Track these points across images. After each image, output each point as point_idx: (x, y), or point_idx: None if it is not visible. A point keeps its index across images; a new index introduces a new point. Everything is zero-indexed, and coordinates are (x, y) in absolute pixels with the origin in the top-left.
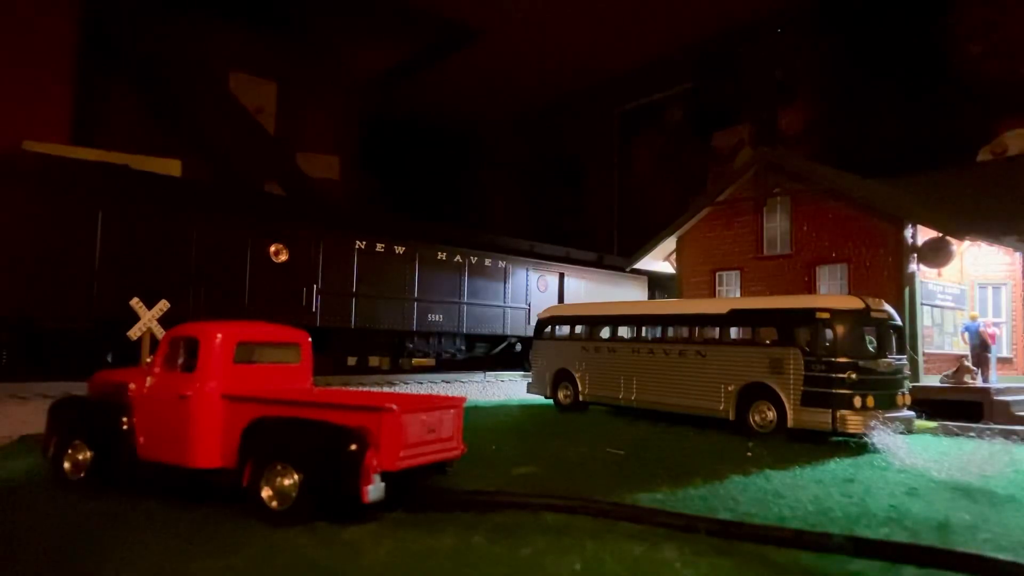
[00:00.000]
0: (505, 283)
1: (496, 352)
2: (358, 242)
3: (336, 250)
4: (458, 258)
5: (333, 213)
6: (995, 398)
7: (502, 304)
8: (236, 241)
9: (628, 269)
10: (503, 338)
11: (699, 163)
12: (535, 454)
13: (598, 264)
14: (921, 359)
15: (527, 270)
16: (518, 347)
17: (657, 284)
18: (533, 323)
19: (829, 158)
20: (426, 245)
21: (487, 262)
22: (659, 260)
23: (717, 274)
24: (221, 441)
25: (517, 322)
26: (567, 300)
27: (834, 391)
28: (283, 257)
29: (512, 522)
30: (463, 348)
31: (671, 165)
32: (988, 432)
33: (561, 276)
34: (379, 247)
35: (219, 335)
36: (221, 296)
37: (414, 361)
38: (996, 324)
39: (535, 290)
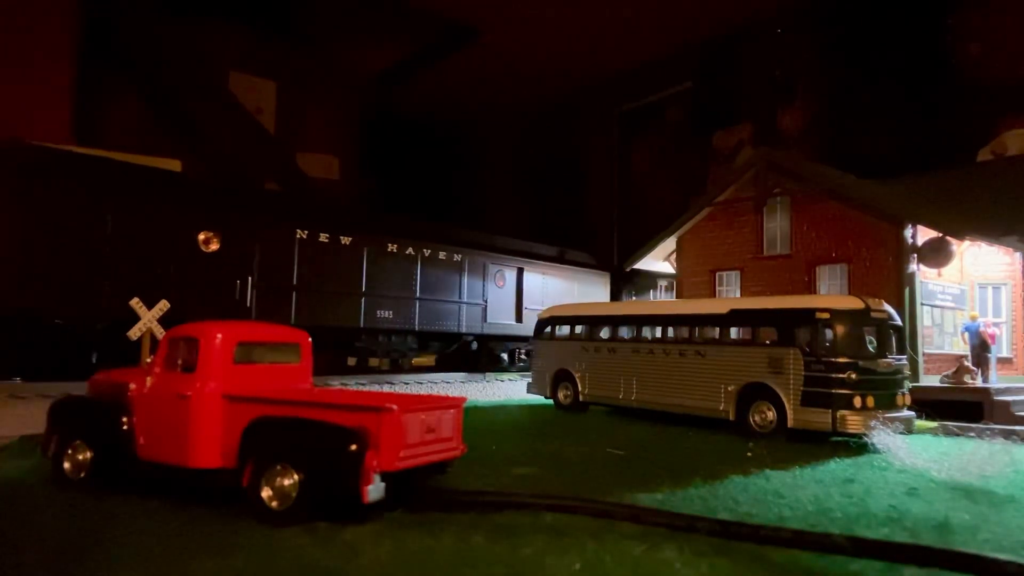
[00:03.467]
0: (461, 278)
1: (450, 351)
2: (299, 232)
3: (274, 240)
4: (410, 250)
5: (271, 199)
6: (995, 398)
7: (457, 300)
8: (159, 227)
9: (628, 269)
10: (458, 336)
11: (699, 163)
12: (535, 454)
13: (560, 259)
14: (921, 359)
15: (485, 264)
16: (474, 345)
17: (626, 281)
18: (489, 320)
19: (829, 158)
20: (375, 236)
21: (441, 255)
22: (659, 260)
23: (717, 274)
24: (221, 441)
25: (473, 319)
26: (526, 296)
27: (834, 391)
28: (214, 246)
29: (512, 522)
30: (415, 347)
31: (671, 165)
32: (988, 432)
33: (520, 271)
34: (323, 237)
35: (219, 335)
36: (137, 287)
37: (415, 361)
38: (996, 324)
39: (492, 285)
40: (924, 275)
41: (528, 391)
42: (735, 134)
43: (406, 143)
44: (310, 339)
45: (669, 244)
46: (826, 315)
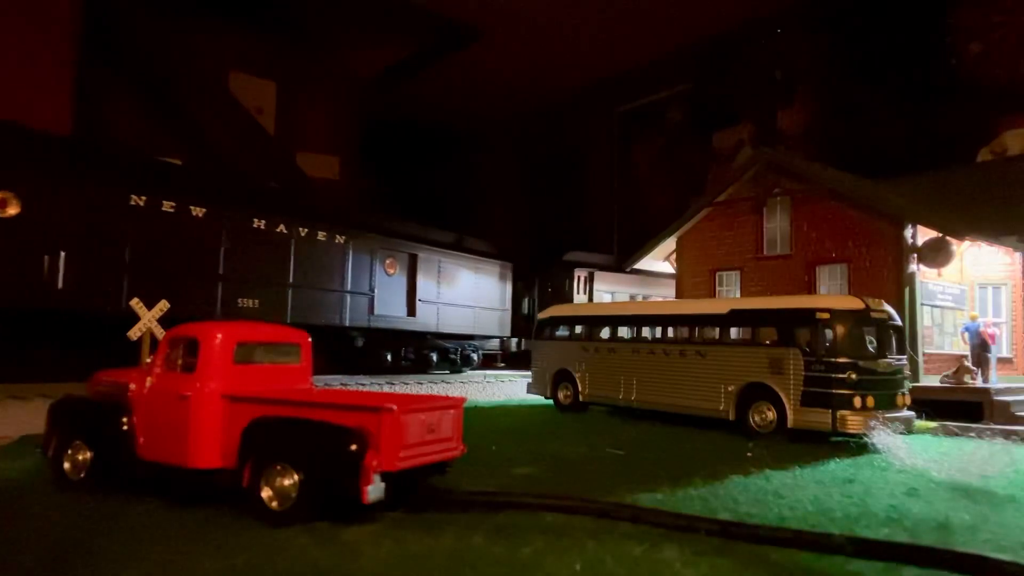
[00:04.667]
0: (345, 263)
1: (333, 349)
2: (135, 197)
3: (99, 206)
4: (282, 229)
5: (97, 155)
6: (995, 398)
7: (340, 289)
8: None
9: (628, 269)
10: (341, 330)
11: (699, 163)
12: (535, 454)
13: (457, 247)
14: (921, 359)
15: (373, 249)
16: (359, 342)
17: (538, 272)
18: (377, 313)
19: (829, 158)
20: (238, 209)
21: (321, 235)
22: (659, 260)
23: (717, 274)
24: (221, 441)
25: (358, 311)
26: (420, 286)
27: (834, 391)
28: (12, 210)
29: (512, 522)
30: None
31: (671, 165)
32: (988, 432)
33: (413, 258)
34: (167, 206)
35: (219, 335)
36: None
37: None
38: (996, 324)
39: (381, 273)
40: (924, 275)
41: (528, 391)
42: (735, 134)
43: (406, 143)
44: (310, 339)
45: (669, 244)
46: (826, 315)
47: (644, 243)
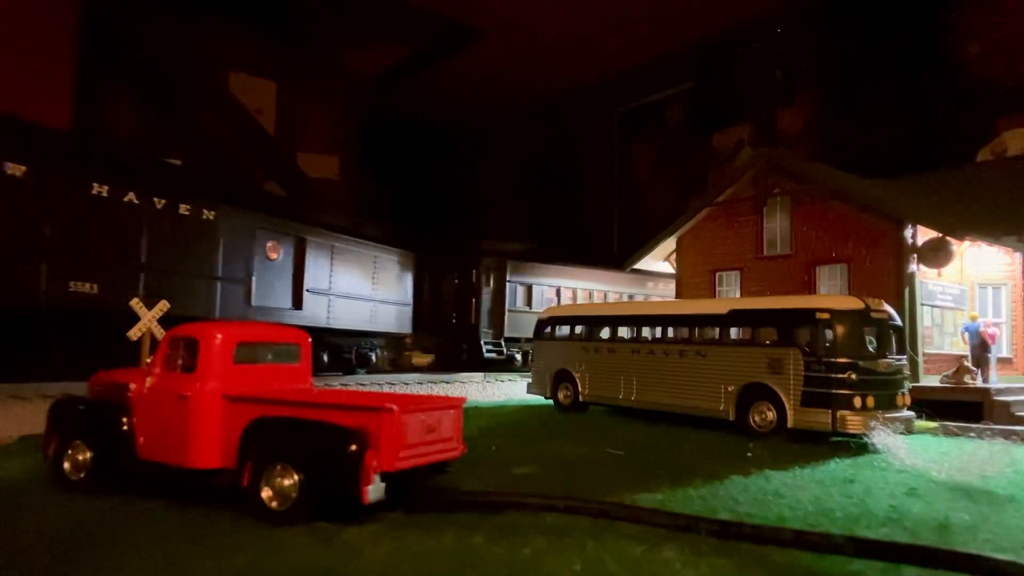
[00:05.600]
0: (215, 244)
1: None
2: None
3: None
4: (132, 198)
5: None
6: (995, 398)
7: (209, 274)
8: None
9: (628, 269)
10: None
11: (699, 163)
12: (535, 454)
13: (353, 231)
14: (921, 359)
15: (252, 230)
16: None
17: (438, 262)
18: (255, 304)
19: (829, 158)
20: (74, 171)
21: (185, 210)
22: (659, 260)
23: (717, 274)
24: (221, 441)
25: (232, 302)
26: (308, 274)
27: (834, 391)
28: None
29: (512, 522)
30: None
31: (671, 165)
32: (988, 432)
33: (301, 242)
34: None
35: (219, 335)
36: None
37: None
38: (996, 324)
39: (262, 258)
40: (924, 275)
41: (528, 391)
42: (735, 134)
43: (406, 143)
44: (310, 339)
45: (669, 244)
46: (826, 315)
47: (644, 243)
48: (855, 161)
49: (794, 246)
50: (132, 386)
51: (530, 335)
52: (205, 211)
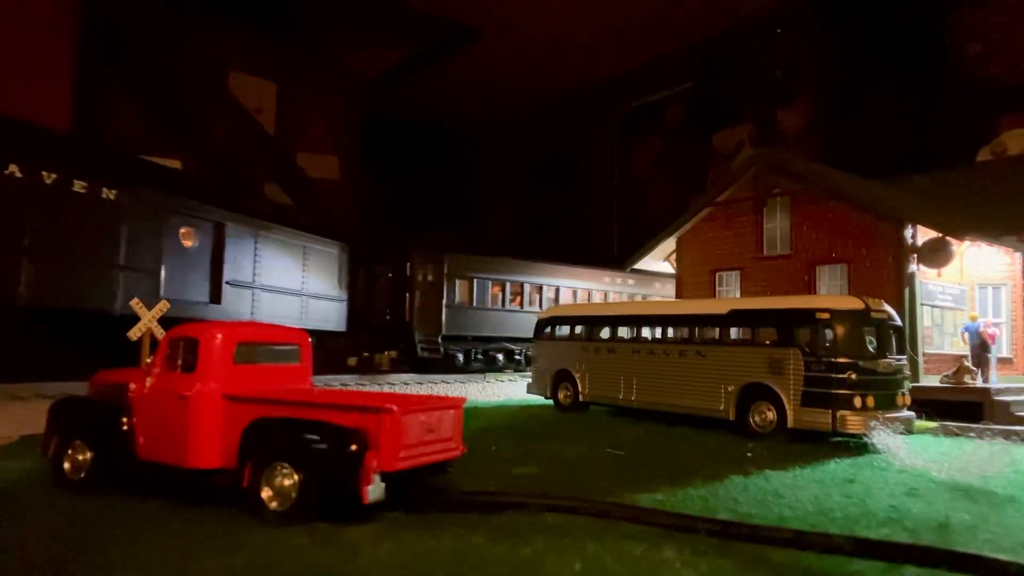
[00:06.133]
0: (117, 228)
1: (103, 344)
2: None
3: None
4: (14, 171)
5: None
6: (995, 398)
7: (109, 263)
8: None
9: (628, 269)
10: (113, 319)
11: (699, 163)
12: (535, 454)
13: (279, 219)
14: (921, 359)
15: (162, 213)
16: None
17: (373, 255)
18: (167, 296)
19: (829, 158)
20: None
21: (81, 187)
22: (659, 260)
23: (717, 274)
24: (221, 441)
25: (137, 296)
26: (228, 265)
27: (834, 391)
28: None
29: (512, 522)
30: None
31: (671, 165)
32: (988, 432)
33: (220, 228)
34: None
35: (219, 336)
36: None
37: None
38: (996, 324)
39: (174, 245)
40: (924, 275)
41: (528, 391)
42: (735, 134)
43: (406, 142)
44: (310, 339)
45: (669, 244)
46: (826, 315)
47: (644, 243)
48: (855, 161)
49: (794, 246)
50: (132, 386)
51: (473, 333)
52: (105, 190)
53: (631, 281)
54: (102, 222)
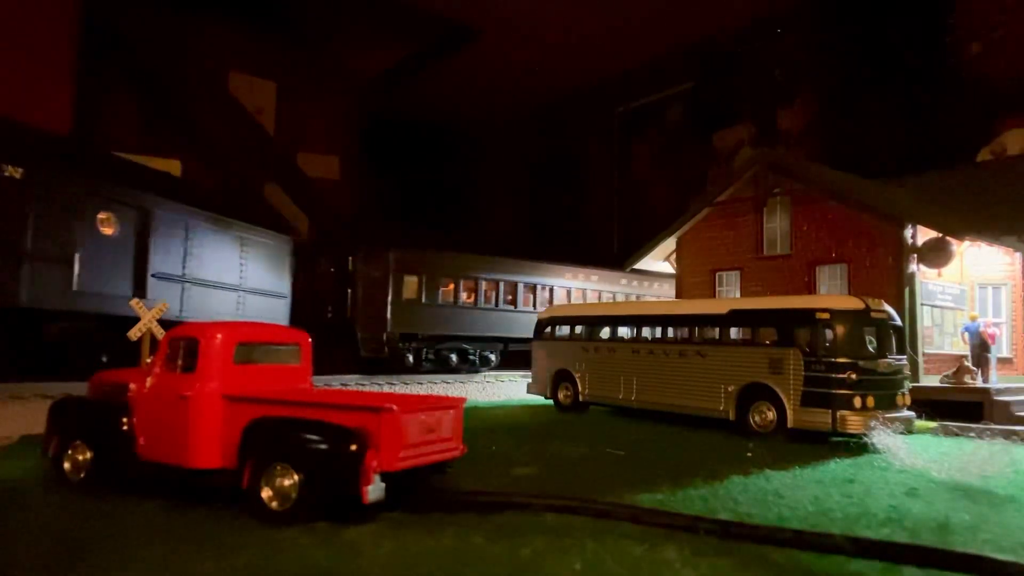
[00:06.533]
0: (21, 211)
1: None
2: None
3: None
4: None
5: None
6: (995, 398)
7: (12, 251)
8: None
9: (628, 269)
10: (19, 313)
11: (699, 163)
12: (535, 454)
13: (213, 206)
14: (921, 359)
15: (77, 195)
16: (52, 333)
17: (315, 249)
18: (82, 288)
19: (829, 158)
20: None
21: None
22: (659, 260)
23: (717, 274)
24: (221, 441)
25: (49, 286)
26: (155, 255)
27: (834, 391)
28: None
29: (512, 522)
30: None
31: (671, 165)
32: (988, 432)
33: (145, 214)
34: None
35: (219, 336)
36: None
37: None
38: (996, 324)
39: (90, 232)
40: (924, 275)
41: (528, 391)
42: (735, 134)
43: (406, 142)
44: (310, 339)
45: (669, 244)
46: (826, 315)
47: (644, 243)
48: (855, 161)
49: (794, 246)
50: (132, 386)
51: (425, 332)
52: (10, 168)
53: (602, 278)
54: (5, 204)
